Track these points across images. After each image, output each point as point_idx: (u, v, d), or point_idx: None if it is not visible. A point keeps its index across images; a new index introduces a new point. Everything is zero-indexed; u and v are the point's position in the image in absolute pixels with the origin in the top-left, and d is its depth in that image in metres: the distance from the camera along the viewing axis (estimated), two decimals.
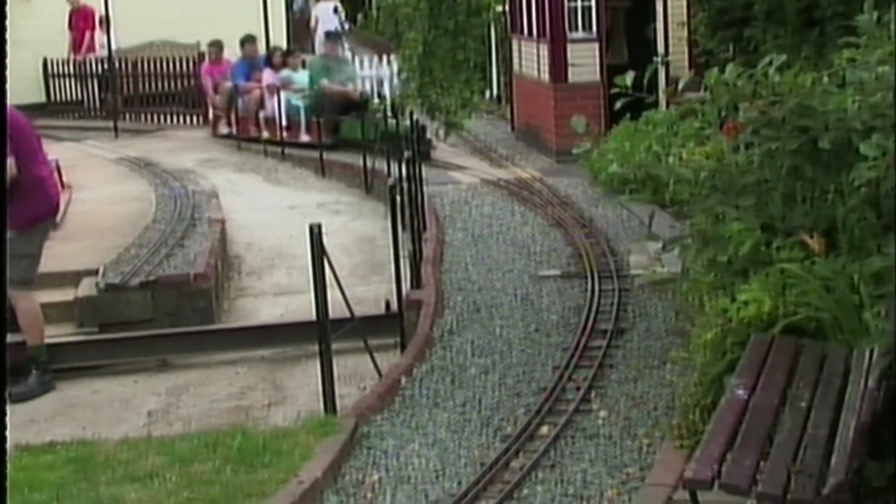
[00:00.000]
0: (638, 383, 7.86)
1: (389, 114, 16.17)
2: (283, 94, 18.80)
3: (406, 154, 11.74)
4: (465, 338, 9.15)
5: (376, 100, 19.90)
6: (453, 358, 8.76)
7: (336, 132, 17.81)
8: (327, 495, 6.60)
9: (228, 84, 20.23)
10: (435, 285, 10.25)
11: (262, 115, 19.37)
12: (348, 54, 20.49)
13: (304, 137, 18.42)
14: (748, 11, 10.89)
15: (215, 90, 20.80)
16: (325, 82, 18.28)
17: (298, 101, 18.65)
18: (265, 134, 19.13)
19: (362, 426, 7.48)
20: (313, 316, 7.97)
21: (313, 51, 26.13)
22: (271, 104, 19.03)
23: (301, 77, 19.18)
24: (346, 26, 25.46)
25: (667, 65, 15.85)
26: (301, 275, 10.73)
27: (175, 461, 7.08)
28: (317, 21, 26.85)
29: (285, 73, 19.43)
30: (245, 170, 18.24)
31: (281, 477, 6.65)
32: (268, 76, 19.44)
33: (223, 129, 20.59)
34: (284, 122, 18.71)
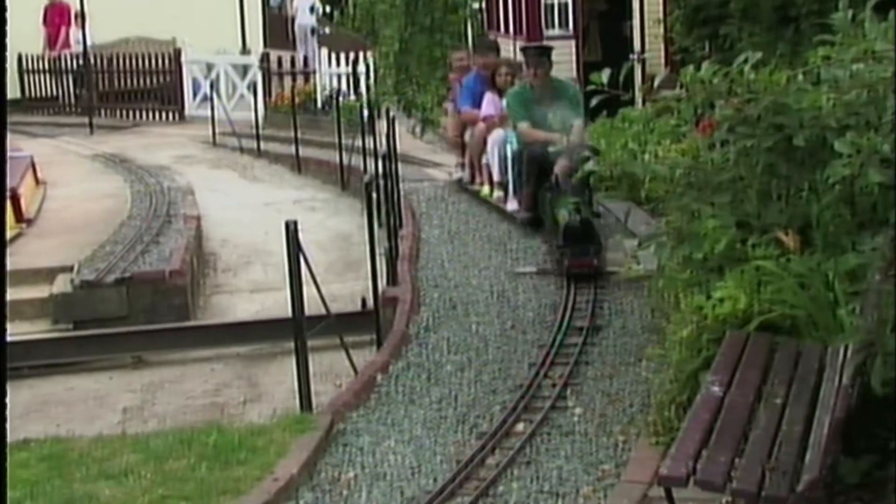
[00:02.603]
0: (613, 380, 7.87)
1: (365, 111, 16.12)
2: (499, 134, 12.93)
3: (381, 151, 11.73)
4: (441, 335, 9.15)
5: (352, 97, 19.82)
6: (429, 355, 8.76)
7: (534, 205, 11.87)
8: (303, 492, 6.59)
9: (449, 106, 15.00)
10: (411, 282, 10.25)
11: (484, 160, 13.55)
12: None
13: (511, 205, 12.57)
14: (724, 9, 10.91)
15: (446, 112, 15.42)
16: (523, 125, 12.09)
17: (512, 145, 12.57)
18: (485, 189, 13.42)
19: (338, 423, 7.47)
20: (289, 313, 7.96)
21: (293, 47, 26.07)
22: (490, 146, 13.21)
23: None
24: (321, 23, 25.36)
25: (643, 62, 15.88)
26: (277, 272, 10.72)
27: (150, 458, 7.06)
28: (296, 11, 26.77)
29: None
30: (221, 166, 18.20)
31: (256, 474, 6.64)
32: (487, 104, 13.35)
33: (456, 174, 14.76)
34: (496, 176, 13.04)
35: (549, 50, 12.71)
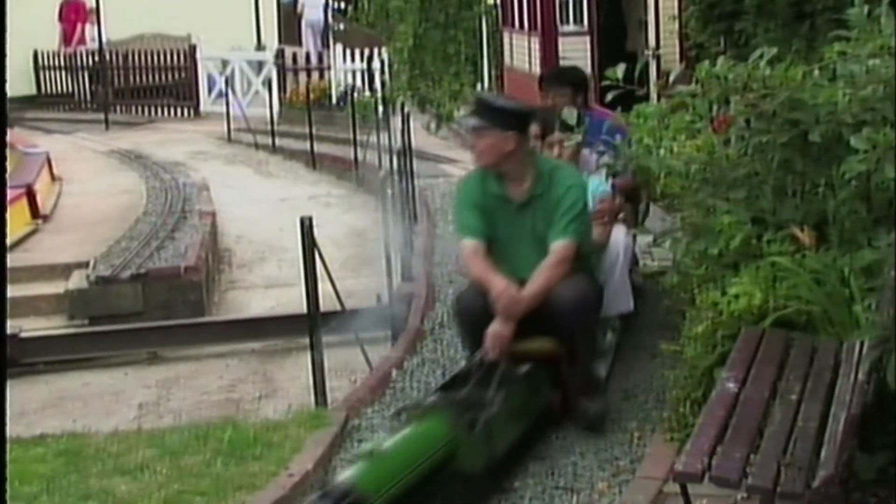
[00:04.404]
0: (628, 376, 7.86)
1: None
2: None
3: (396, 146, 11.74)
4: (456, 331, 9.14)
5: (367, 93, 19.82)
6: (444, 351, 8.76)
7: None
8: (318, 488, 6.60)
9: None
10: (426, 278, 10.25)
11: None
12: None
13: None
14: (739, 5, 10.88)
15: None
16: (468, 244, 6.77)
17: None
18: None
19: (353, 419, 7.48)
20: (304, 309, 7.97)
21: (300, 43, 26.09)
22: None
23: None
24: (335, 19, 25.38)
25: (658, 58, 15.85)
26: (292, 267, 10.73)
27: (165, 454, 7.08)
28: (303, 7, 26.75)
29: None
30: (236, 162, 18.23)
31: (271, 469, 6.65)
32: None
33: None
34: None
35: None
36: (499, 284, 6.41)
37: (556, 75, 8.91)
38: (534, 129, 7.25)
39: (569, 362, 6.73)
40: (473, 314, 6.53)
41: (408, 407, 6.47)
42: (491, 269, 6.53)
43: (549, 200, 6.62)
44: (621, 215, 8.09)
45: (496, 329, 6.42)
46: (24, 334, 9.66)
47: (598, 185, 7.54)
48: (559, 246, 6.57)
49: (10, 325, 9.20)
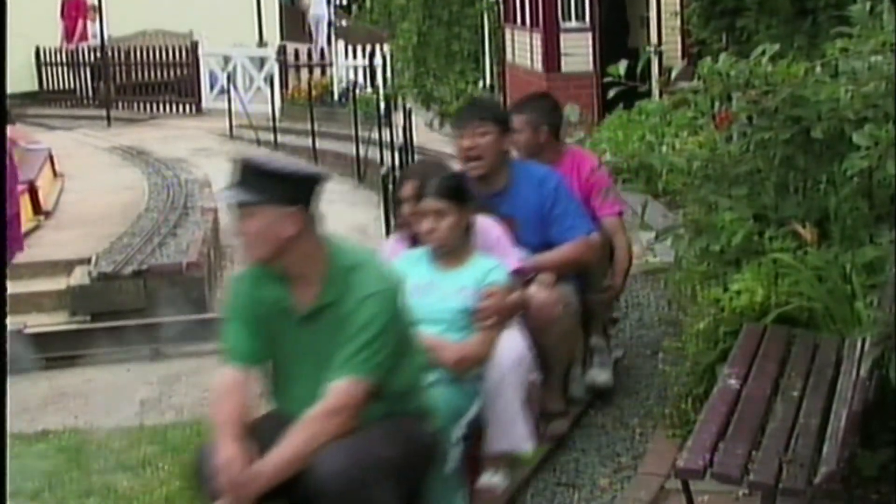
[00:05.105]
0: (630, 372, 7.86)
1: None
2: None
3: (398, 143, 11.74)
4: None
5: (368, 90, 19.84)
6: None
7: None
8: None
9: None
10: None
11: None
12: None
13: None
14: (741, 1, 10.89)
15: None
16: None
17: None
18: None
19: None
20: None
21: (309, 39, 26.11)
22: None
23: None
24: (338, 15, 25.39)
25: (660, 54, 15.85)
26: None
27: (167, 450, 7.08)
28: (307, 3, 26.81)
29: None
30: None
31: None
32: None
33: None
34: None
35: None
36: (225, 451, 4.37)
37: (474, 109, 6.83)
38: (407, 188, 5.70)
39: None
40: (207, 480, 4.45)
41: None
42: (231, 422, 4.48)
43: (340, 314, 4.46)
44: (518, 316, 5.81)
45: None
46: (28, 330, 9.69)
47: (488, 271, 5.50)
48: (336, 388, 4.38)
49: (14, 322, 9.21)
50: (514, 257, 5.90)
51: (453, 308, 5.45)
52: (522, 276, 5.96)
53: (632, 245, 7.58)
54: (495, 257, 5.67)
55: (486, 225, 5.84)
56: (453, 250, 5.53)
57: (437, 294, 5.47)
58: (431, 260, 5.58)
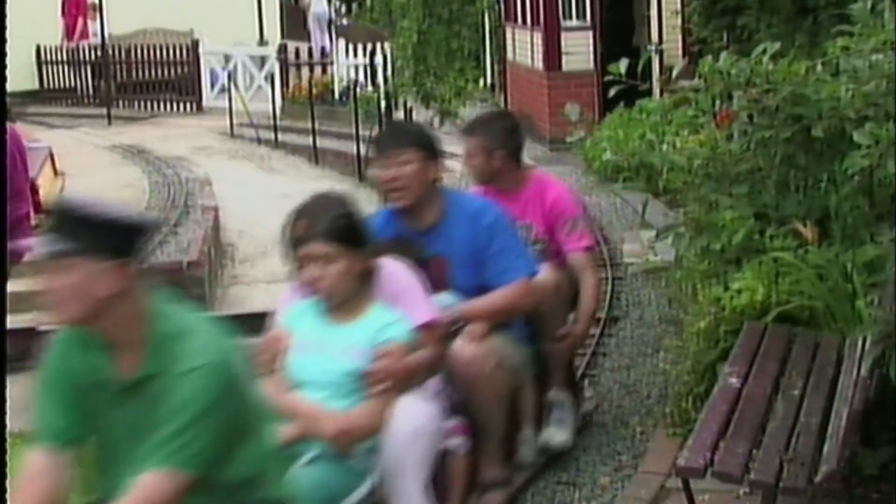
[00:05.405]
0: (631, 371, 7.86)
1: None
2: None
3: None
4: None
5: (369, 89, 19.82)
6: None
7: None
8: None
9: None
10: None
11: None
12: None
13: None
14: (742, 0, 10.89)
15: None
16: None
17: None
18: None
19: None
20: None
21: (304, 37, 26.11)
22: None
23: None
24: (338, 14, 25.40)
25: (661, 53, 15.85)
26: None
27: None
28: (309, 4, 26.82)
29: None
30: (238, 157, 18.24)
31: None
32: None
33: None
34: None
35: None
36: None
37: (392, 135, 6.21)
38: (298, 228, 4.73)
39: None
40: None
41: None
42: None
43: (162, 389, 3.72)
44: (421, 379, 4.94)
45: None
46: (42, 327, 9.67)
47: (384, 326, 4.68)
48: (142, 484, 3.65)
49: (22, 321, 9.20)
50: (426, 308, 4.99)
51: (340, 370, 4.60)
52: (445, 328, 5.21)
53: (600, 285, 6.83)
54: (399, 309, 4.77)
55: (394, 270, 4.97)
56: (346, 301, 4.67)
57: (324, 353, 4.67)
58: (321, 313, 4.76)
